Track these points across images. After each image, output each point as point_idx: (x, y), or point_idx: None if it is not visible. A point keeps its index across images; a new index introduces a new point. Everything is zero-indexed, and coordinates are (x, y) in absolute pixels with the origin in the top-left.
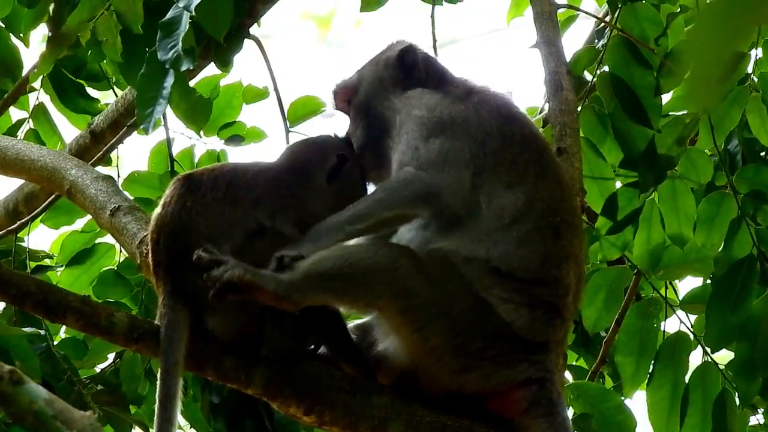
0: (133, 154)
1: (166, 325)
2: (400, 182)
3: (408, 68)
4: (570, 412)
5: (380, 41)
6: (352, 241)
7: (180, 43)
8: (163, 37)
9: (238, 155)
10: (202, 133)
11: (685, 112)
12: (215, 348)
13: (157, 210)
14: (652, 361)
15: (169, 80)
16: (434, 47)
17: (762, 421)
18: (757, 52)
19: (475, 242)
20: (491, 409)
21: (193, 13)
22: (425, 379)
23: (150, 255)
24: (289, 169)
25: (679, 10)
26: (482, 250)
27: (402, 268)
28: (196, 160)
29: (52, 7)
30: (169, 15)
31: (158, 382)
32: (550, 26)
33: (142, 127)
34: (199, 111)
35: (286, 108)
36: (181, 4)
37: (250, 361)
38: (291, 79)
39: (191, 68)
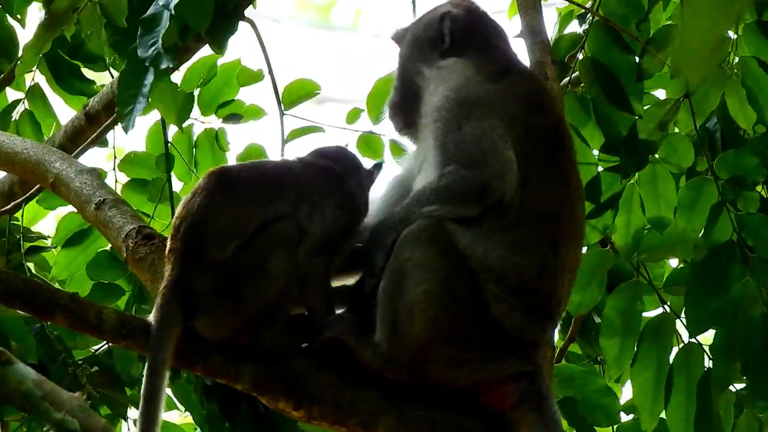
0: (129, 135)
1: (158, 320)
2: (450, 184)
3: (446, 34)
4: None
5: (383, 26)
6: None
7: (160, 41)
8: (143, 33)
9: (237, 133)
10: (199, 112)
11: (665, 96)
12: (204, 344)
13: (187, 197)
14: (636, 343)
15: (149, 78)
16: None
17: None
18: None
19: (474, 240)
20: (482, 403)
21: (173, 12)
22: (418, 368)
23: (169, 239)
24: (344, 170)
25: None
26: (480, 250)
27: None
28: (194, 139)
29: None
30: (149, 12)
31: (144, 379)
32: (534, 15)
33: (121, 125)
34: (180, 106)
35: (281, 92)
36: (161, 2)
37: (239, 357)
38: (292, 64)
39: (170, 66)
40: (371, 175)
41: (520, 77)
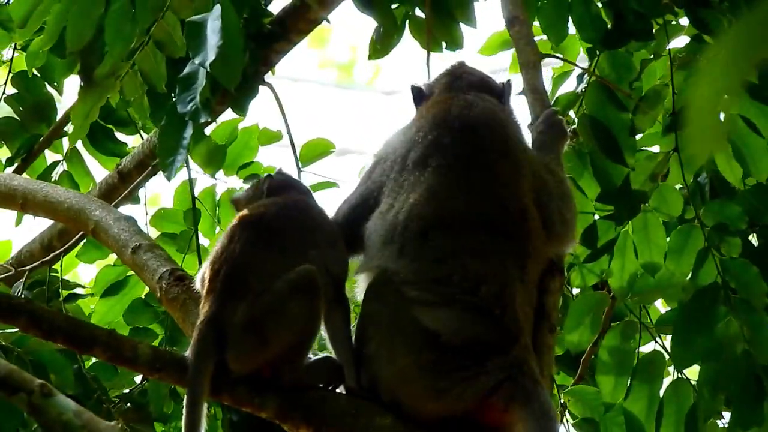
0: (159, 193)
1: (195, 353)
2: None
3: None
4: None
5: (402, 85)
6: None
7: (198, 97)
8: (181, 91)
9: None
10: (222, 173)
11: (657, 150)
12: (231, 375)
13: (224, 244)
14: (629, 378)
15: (188, 131)
16: None
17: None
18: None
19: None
20: (485, 425)
21: (209, 69)
22: (410, 407)
23: (207, 280)
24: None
25: (652, 56)
26: (401, 269)
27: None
28: (217, 198)
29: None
30: (186, 70)
31: (184, 411)
32: (534, 74)
33: (164, 174)
34: (215, 157)
35: (299, 149)
36: (197, 61)
37: (263, 387)
38: (311, 125)
39: (208, 120)
40: None
41: (423, 120)
